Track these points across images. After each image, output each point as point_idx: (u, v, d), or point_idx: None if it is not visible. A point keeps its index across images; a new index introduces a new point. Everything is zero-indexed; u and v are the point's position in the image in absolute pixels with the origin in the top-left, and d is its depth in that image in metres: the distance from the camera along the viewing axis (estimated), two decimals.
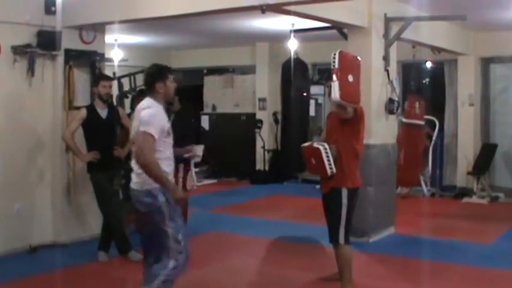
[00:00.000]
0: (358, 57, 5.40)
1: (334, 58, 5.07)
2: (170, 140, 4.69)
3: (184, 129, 7.32)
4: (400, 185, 10.60)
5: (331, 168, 5.30)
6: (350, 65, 5.19)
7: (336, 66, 5.05)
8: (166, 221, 4.51)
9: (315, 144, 5.37)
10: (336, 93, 5.01)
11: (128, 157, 7.63)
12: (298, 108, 11.89)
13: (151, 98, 4.64)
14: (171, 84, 4.71)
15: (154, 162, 4.42)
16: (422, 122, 10.43)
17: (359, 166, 5.54)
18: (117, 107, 7.07)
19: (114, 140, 6.78)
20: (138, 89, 9.70)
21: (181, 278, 6.12)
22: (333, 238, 5.44)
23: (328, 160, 5.29)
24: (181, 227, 4.67)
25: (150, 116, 4.50)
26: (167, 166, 4.60)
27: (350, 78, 5.10)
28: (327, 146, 5.32)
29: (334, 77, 5.03)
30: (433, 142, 11.41)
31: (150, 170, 4.41)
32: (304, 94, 12.03)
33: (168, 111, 7.37)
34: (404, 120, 10.14)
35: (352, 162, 5.41)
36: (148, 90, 4.71)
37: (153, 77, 4.68)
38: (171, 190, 4.55)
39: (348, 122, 5.31)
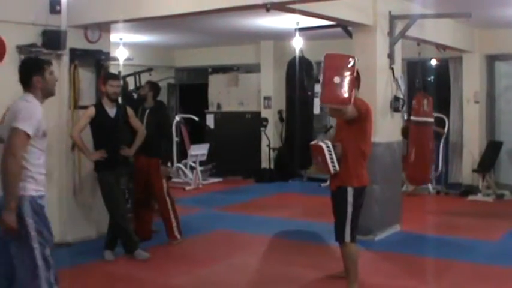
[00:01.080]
0: (350, 58, 5.14)
1: (322, 63, 5.07)
2: (44, 144, 4.17)
3: (159, 126, 7.38)
4: (411, 183, 10.64)
5: (334, 166, 5.30)
6: (336, 67, 5.06)
7: (321, 70, 5.04)
8: (32, 233, 3.93)
9: (319, 142, 5.37)
10: (319, 97, 5.02)
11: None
12: (302, 106, 11.90)
13: (29, 93, 4.16)
14: (50, 76, 4.23)
15: (18, 173, 3.88)
16: (431, 119, 10.42)
17: (366, 165, 5.53)
18: (125, 106, 7.07)
19: (122, 139, 6.78)
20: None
21: (186, 276, 6.13)
22: (339, 236, 5.44)
23: (331, 158, 5.28)
24: (49, 241, 4.05)
25: (27, 110, 4.00)
26: (38, 174, 4.07)
27: (336, 79, 4.95)
28: (329, 143, 5.31)
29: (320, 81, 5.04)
30: (443, 140, 11.42)
31: (10, 179, 3.85)
32: (309, 93, 12.04)
33: (142, 108, 7.47)
34: (413, 118, 10.13)
35: (359, 161, 5.40)
36: (25, 85, 4.20)
37: (29, 70, 4.23)
38: (10, 209, 3.85)
39: (353, 121, 5.29)
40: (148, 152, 7.18)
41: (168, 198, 7.37)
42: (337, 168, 5.31)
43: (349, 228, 5.38)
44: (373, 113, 5.67)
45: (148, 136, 7.12)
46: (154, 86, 7.66)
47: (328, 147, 5.28)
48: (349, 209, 5.36)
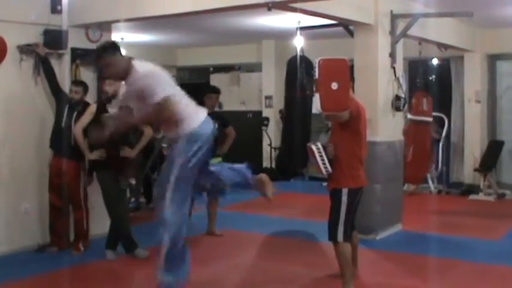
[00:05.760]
0: (344, 61, 5.18)
1: (315, 68, 5.04)
2: None
3: None
4: (406, 182, 10.61)
5: (325, 168, 5.30)
6: (332, 72, 5.06)
7: (317, 77, 5.02)
8: None
9: (311, 145, 5.35)
10: (317, 105, 5.01)
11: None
12: (301, 106, 11.85)
13: None
14: None
15: None
16: (430, 119, 10.40)
17: (362, 166, 5.49)
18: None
19: (123, 139, 6.74)
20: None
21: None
22: (332, 236, 5.44)
23: (322, 160, 5.28)
24: None
25: None
26: None
27: (334, 85, 4.97)
28: (320, 145, 5.30)
29: (316, 89, 5.02)
30: (442, 140, 11.41)
31: None
32: (308, 92, 12.01)
33: None
34: (411, 117, 10.11)
35: (353, 163, 5.37)
36: None
37: None
38: None
39: (346, 124, 5.28)
40: None
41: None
42: (330, 169, 5.31)
43: (342, 228, 5.36)
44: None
45: None
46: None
47: (318, 149, 5.28)
48: (343, 209, 5.36)
